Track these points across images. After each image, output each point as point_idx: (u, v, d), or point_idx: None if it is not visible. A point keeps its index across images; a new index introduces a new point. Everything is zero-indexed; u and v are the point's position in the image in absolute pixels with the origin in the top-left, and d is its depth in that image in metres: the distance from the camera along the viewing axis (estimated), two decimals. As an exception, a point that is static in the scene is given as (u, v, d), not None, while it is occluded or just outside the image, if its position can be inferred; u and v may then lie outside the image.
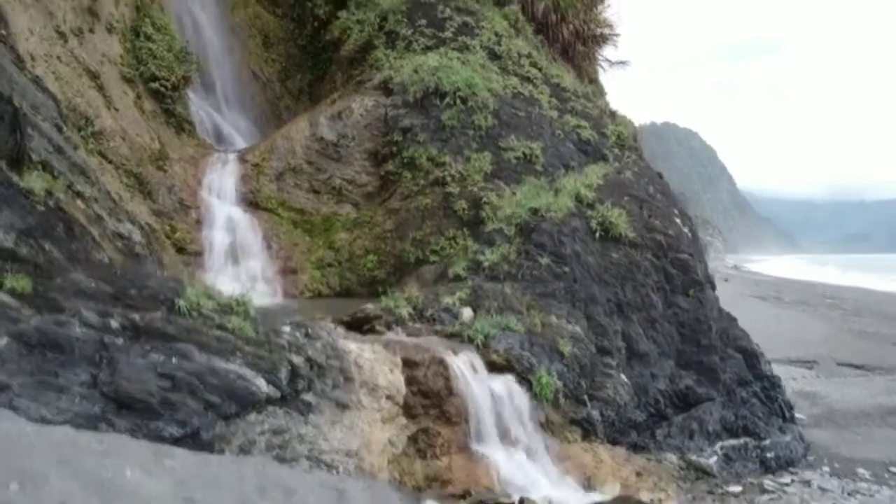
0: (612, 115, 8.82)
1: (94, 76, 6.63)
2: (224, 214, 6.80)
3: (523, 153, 6.70)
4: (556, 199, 5.65)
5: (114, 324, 3.16)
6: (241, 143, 8.83)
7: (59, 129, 5.49)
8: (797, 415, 6.18)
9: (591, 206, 5.67)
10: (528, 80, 7.98)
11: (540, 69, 8.35)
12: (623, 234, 5.72)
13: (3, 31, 5.58)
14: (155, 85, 7.22)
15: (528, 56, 8.43)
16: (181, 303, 3.31)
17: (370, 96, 7.75)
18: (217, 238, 6.50)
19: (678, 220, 6.53)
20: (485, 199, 6.15)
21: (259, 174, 7.31)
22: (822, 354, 9.86)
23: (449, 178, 6.50)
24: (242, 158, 7.45)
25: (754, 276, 48.59)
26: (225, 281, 5.87)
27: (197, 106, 8.45)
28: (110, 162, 6.36)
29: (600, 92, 11.28)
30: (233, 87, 9.27)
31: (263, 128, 9.57)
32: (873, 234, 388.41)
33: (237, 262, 6.42)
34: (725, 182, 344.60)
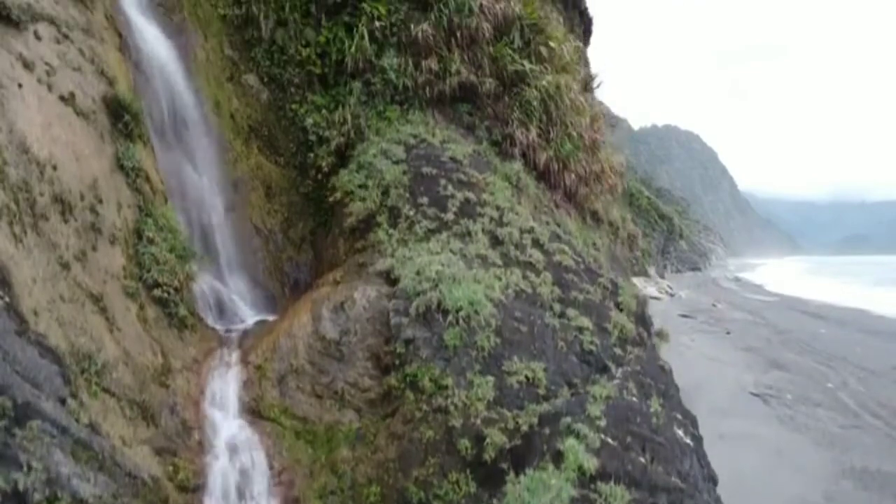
0: (615, 285, 8.79)
1: (97, 299, 6.63)
2: (227, 433, 6.81)
3: (526, 376, 6.71)
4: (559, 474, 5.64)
5: None
6: (244, 312, 8.85)
7: (62, 401, 5.53)
8: None
9: (593, 480, 5.67)
10: (531, 266, 7.98)
11: (541, 246, 8.34)
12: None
13: (7, 298, 5.61)
14: (157, 292, 7.23)
15: (530, 231, 8.42)
16: None
17: (373, 284, 7.76)
18: (217, 468, 6.51)
19: (678, 449, 6.53)
20: (488, 440, 6.16)
21: (262, 378, 7.32)
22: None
23: (452, 407, 6.50)
24: (245, 360, 7.46)
25: (761, 297, 48.28)
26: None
27: (199, 279, 8.47)
28: (113, 395, 6.36)
29: (602, 219, 11.29)
30: (235, 248, 9.28)
31: (266, 283, 9.59)
32: (875, 235, 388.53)
33: (241, 498, 6.43)
34: (726, 184, 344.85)
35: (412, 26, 9.88)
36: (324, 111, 9.86)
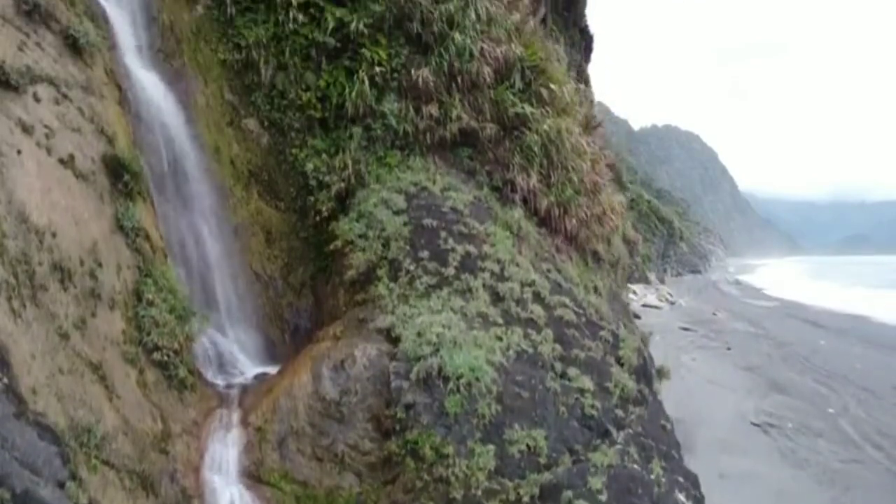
0: (616, 337, 8.75)
1: (96, 367, 6.61)
2: (226, 499, 6.79)
3: (527, 445, 6.69)
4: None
5: None
6: (244, 364, 8.84)
7: (61, 485, 5.53)
8: None
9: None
10: (532, 322, 7.95)
11: (542, 300, 8.31)
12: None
13: (6, 379, 5.59)
14: (157, 355, 7.20)
15: (531, 284, 8.39)
16: None
17: (373, 342, 7.73)
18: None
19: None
20: (488, 515, 6.15)
21: (262, 441, 7.29)
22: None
23: (453, 478, 6.48)
24: (245, 421, 7.44)
25: (760, 303, 47.86)
26: None
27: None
28: (113, 467, 6.33)
29: (603, 259, 11.24)
30: (235, 296, 9.25)
31: (266, 330, 9.57)
32: (875, 235, 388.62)
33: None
34: (727, 184, 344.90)
35: (413, 71, 9.84)
36: (324, 156, 9.82)
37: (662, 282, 71.03)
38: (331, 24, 9.91)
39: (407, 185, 9.28)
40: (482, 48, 9.98)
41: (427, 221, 8.68)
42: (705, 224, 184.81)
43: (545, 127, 9.95)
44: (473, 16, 10.22)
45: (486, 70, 9.95)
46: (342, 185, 9.64)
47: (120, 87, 8.46)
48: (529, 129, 10.03)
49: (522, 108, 9.99)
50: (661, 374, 11.34)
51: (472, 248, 8.49)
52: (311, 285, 9.98)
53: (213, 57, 9.86)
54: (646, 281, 58.13)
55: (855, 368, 25.15)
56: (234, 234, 9.53)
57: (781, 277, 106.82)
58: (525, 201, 9.86)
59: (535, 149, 9.77)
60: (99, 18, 8.59)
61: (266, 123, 9.97)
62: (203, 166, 9.33)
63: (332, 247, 9.28)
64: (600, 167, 10.54)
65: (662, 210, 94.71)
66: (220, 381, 8.34)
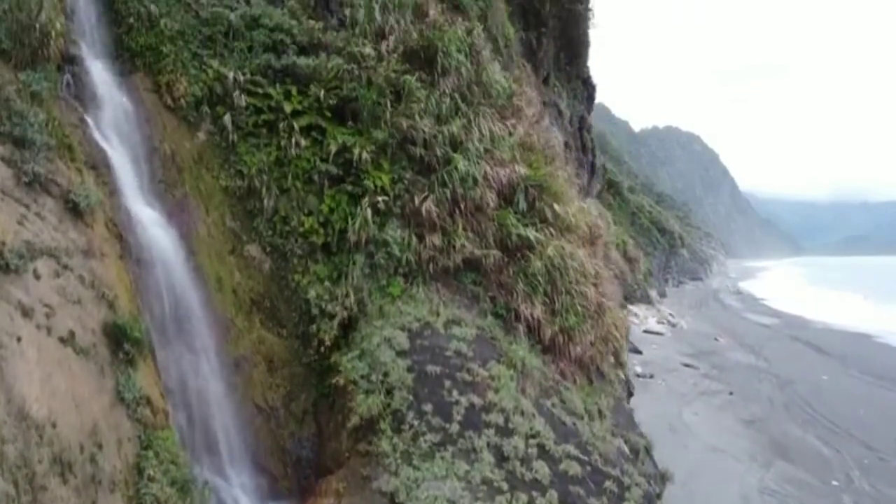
0: (622, 485, 8.70)
1: (98, 559, 6.56)
2: None
3: None
4: None
5: None
6: (246, 509, 8.77)
7: None
8: None
9: None
10: (537, 484, 7.89)
11: (547, 452, 8.25)
12: None
13: None
14: (159, 534, 7.15)
15: (536, 436, 8.33)
16: None
17: (376, 505, 7.69)
18: None
19: None
20: None
21: None
22: None
23: None
24: None
25: (763, 321, 47.58)
26: None
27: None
28: None
29: (607, 375, 11.17)
30: (236, 434, 9.18)
31: (267, 465, 9.50)
32: (876, 236, 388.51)
33: None
34: (727, 185, 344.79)
35: (416, 197, 9.78)
36: (326, 283, 9.76)
37: (664, 295, 70.96)
38: (333, 149, 9.85)
39: (410, 321, 9.21)
40: (485, 172, 9.92)
41: (430, 368, 8.62)
42: (706, 227, 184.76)
43: (549, 252, 9.88)
44: (476, 136, 10.16)
45: (490, 195, 9.89)
46: (345, 313, 9.59)
47: (121, 237, 8.39)
48: (533, 252, 9.95)
49: (526, 233, 9.91)
50: (665, 477, 11.28)
51: (476, 399, 8.43)
52: (313, 412, 9.91)
53: (215, 184, 9.79)
54: (647, 300, 58.01)
55: (858, 416, 25.10)
56: (236, 368, 9.46)
57: (782, 284, 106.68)
58: (530, 328, 9.79)
59: (540, 277, 9.69)
60: (100, 165, 8.53)
61: (268, 249, 9.90)
62: (204, 301, 9.26)
63: (334, 381, 9.22)
64: (604, 286, 10.47)
65: (664, 220, 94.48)
66: (222, 535, 8.29)
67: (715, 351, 40.25)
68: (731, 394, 27.69)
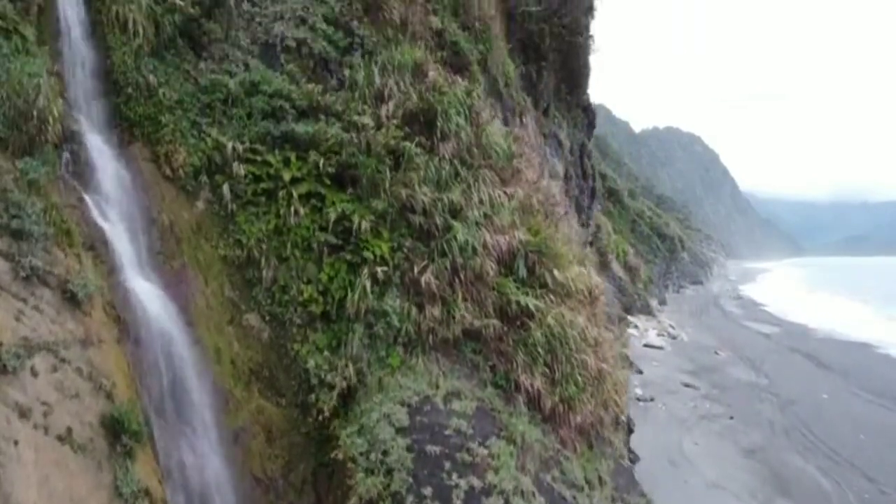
0: None
1: None
2: None
3: None
4: None
5: None
6: (244, 589, 8.75)
7: None
8: None
9: None
10: (537, 571, 7.89)
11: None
12: None
13: None
14: None
15: (536, 517, 8.33)
16: None
17: None
18: None
19: None
20: None
21: None
22: None
23: None
24: None
25: (764, 330, 47.10)
26: None
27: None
28: None
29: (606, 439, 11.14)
30: (236, 513, 9.17)
31: (267, 537, 9.48)
32: (876, 236, 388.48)
33: None
34: (728, 185, 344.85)
35: (416, 265, 9.74)
36: (325, 352, 9.73)
37: (664, 302, 70.97)
38: (332, 217, 9.82)
39: (409, 396, 9.18)
40: (485, 241, 9.88)
41: (430, 448, 8.58)
42: (706, 228, 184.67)
43: (549, 320, 9.86)
44: (476, 201, 10.13)
45: (489, 263, 9.86)
46: (344, 383, 9.56)
47: (119, 318, 8.36)
48: (533, 321, 9.92)
49: (526, 301, 9.88)
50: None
51: (475, 481, 8.39)
52: (313, 482, 9.88)
53: (214, 253, 9.76)
54: (647, 310, 57.99)
55: (859, 443, 25.10)
56: (235, 441, 9.43)
57: (782, 288, 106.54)
58: (530, 398, 9.76)
59: (540, 348, 9.66)
60: (98, 244, 8.51)
61: (267, 318, 9.87)
62: (203, 375, 9.22)
63: (333, 455, 9.19)
64: (604, 351, 10.45)
65: (664, 226, 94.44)
66: None
67: (715, 366, 40.21)
68: (731, 418, 27.67)
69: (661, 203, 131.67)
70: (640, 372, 34.02)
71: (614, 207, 74.74)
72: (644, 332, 49.61)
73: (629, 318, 52.71)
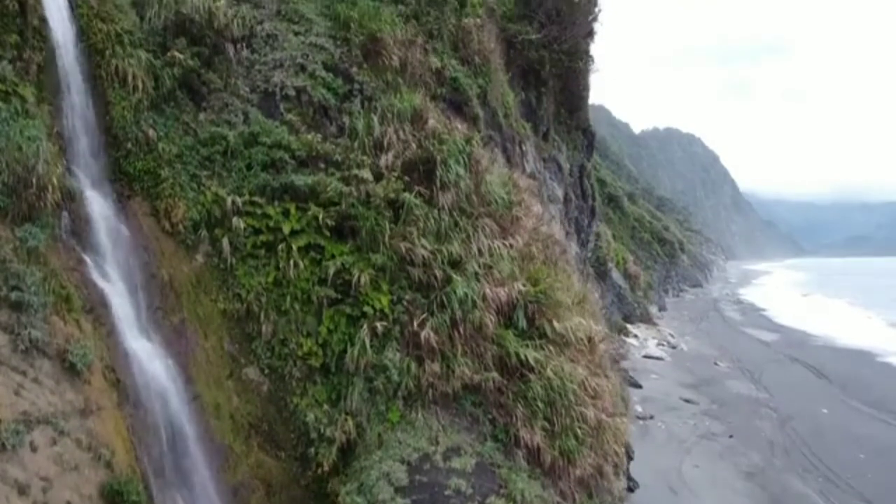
0: None
1: None
2: None
3: None
4: None
5: None
6: None
7: None
8: None
9: None
10: None
11: None
12: None
13: None
14: None
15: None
16: None
17: None
18: None
19: None
20: None
21: None
22: None
23: None
24: None
25: (763, 338, 47.18)
26: None
27: None
28: None
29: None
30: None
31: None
32: (877, 236, 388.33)
33: None
34: (728, 186, 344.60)
35: (415, 319, 9.74)
36: (325, 406, 9.75)
37: (664, 308, 70.89)
38: (332, 270, 9.82)
39: (409, 453, 9.19)
40: (485, 293, 9.88)
41: (430, 510, 8.58)
42: (706, 230, 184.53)
43: (549, 373, 9.85)
44: (475, 252, 10.13)
45: (489, 316, 9.86)
46: (343, 438, 9.56)
47: (118, 381, 8.36)
48: (533, 373, 9.92)
49: (525, 354, 9.88)
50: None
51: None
52: (313, 538, 9.89)
53: (213, 307, 9.77)
54: (647, 319, 57.96)
55: (858, 462, 25.08)
56: (234, 496, 9.43)
57: (782, 291, 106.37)
58: (530, 452, 9.76)
59: (539, 402, 9.66)
60: (98, 306, 8.51)
61: (266, 371, 9.88)
62: (202, 431, 9.23)
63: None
64: (604, 401, 10.44)
65: (663, 230, 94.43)
66: None
67: (715, 379, 40.14)
68: (731, 437, 27.66)
69: (662, 205, 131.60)
70: (640, 386, 33.96)
71: (614, 214, 74.68)
72: (644, 341, 49.52)
73: (629, 326, 52.71)
